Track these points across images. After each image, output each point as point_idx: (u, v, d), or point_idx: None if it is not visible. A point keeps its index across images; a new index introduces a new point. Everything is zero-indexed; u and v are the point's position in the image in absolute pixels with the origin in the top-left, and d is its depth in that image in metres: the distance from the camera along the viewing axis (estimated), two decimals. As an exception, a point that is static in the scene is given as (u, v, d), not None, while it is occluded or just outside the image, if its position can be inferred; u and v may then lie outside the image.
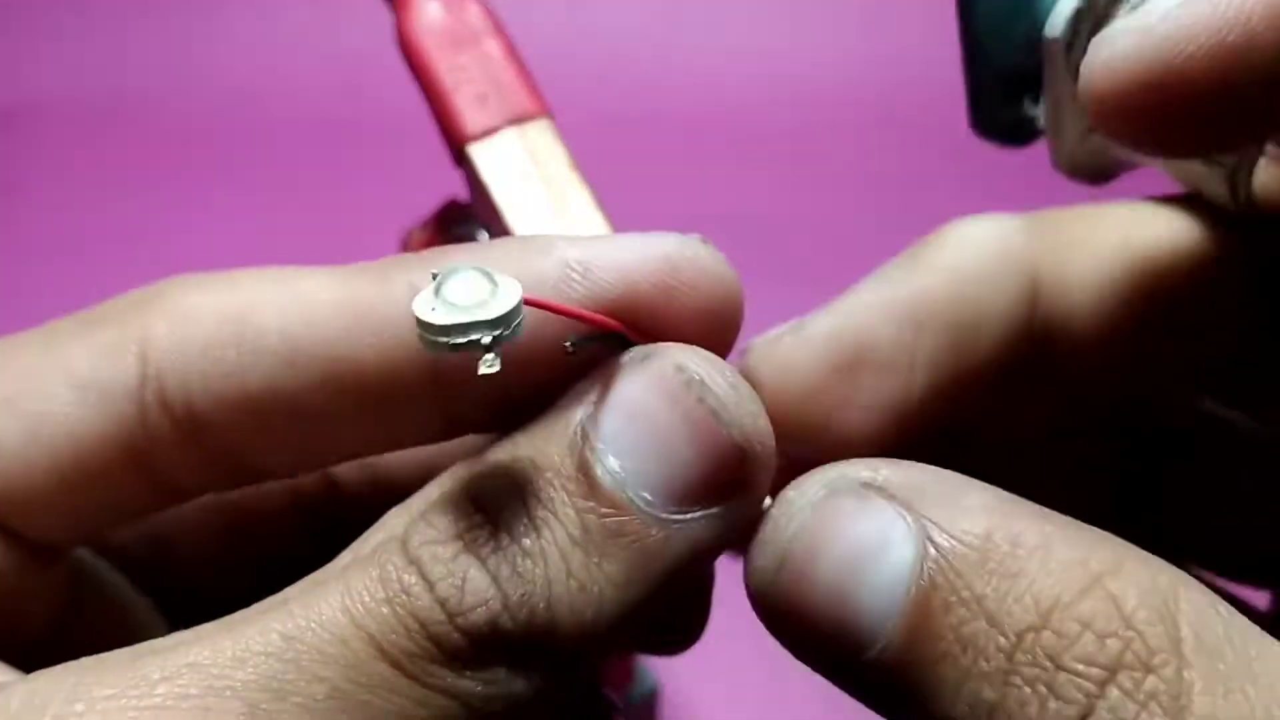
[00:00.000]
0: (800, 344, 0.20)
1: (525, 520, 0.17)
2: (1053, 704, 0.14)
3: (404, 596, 0.16)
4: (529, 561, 0.16)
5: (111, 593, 0.23)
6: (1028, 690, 0.14)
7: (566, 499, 0.16)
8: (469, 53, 0.30)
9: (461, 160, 0.30)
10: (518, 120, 0.29)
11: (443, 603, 0.16)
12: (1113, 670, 0.14)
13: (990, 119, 0.24)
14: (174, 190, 0.81)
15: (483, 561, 0.16)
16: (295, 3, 0.89)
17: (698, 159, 0.87)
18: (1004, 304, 0.20)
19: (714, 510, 0.17)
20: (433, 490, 0.18)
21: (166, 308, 0.19)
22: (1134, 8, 0.20)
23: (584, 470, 0.17)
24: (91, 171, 0.81)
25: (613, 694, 0.47)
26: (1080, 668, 0.14)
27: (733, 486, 0.17)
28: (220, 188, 0.81)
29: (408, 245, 0.38)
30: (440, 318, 0.16)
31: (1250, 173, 0.20)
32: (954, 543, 0.15)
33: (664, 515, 0.16)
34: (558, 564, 0.16)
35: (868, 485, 0.17)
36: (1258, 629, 0.15)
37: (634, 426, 0.17)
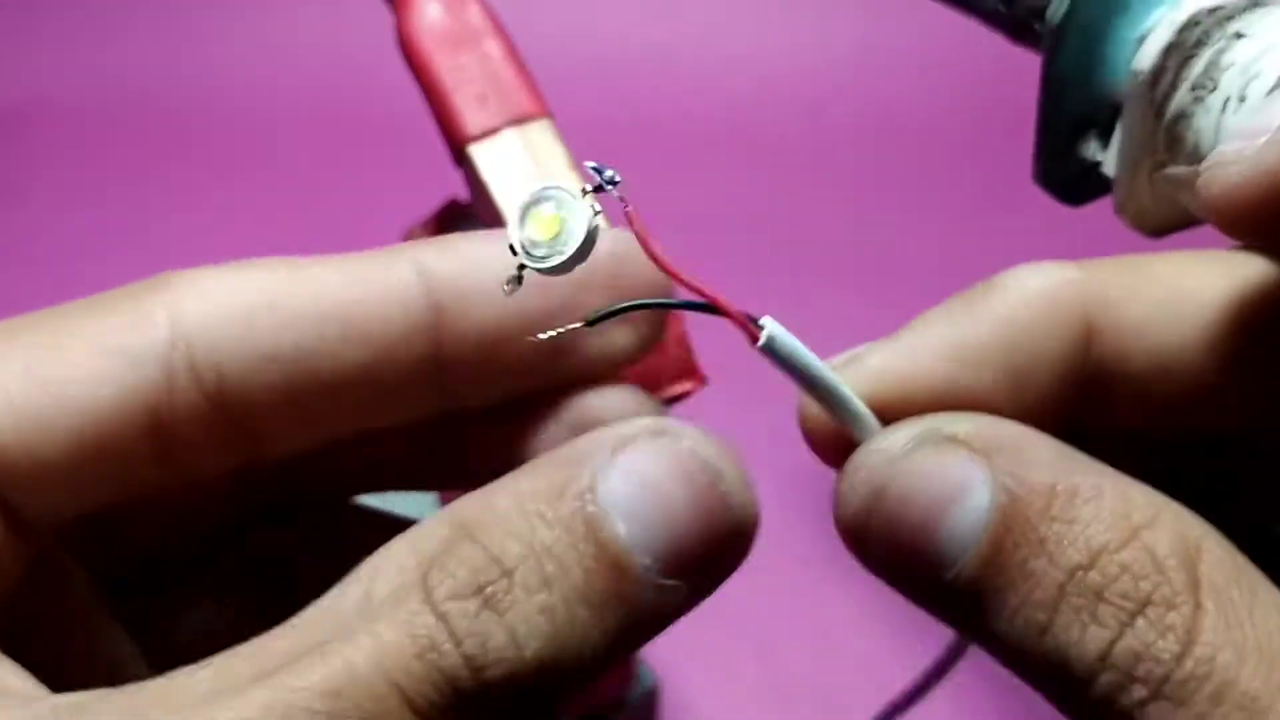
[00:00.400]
0: (852, 376, 0.22)
1: (538, 575, 0.18)
2: (1092, 628, 0.18)
3: (433, 654, 0.17)
4: (542, 618, 0.18)
5: (55, 565, 0.23)
6: (1072, 616, 0.18)
7: (577, 558, 0.18)
8: (469, 53, 0.30)
9: (462, 160, 0.30)
10: (518, 120, 0.29)
11: (468, 660, 0.17)
12: (1143, 604, 0.18)
13: (1055, 166, 0.25)
14: (175, 191, 0.81)
15: (502, 617, 0.18)
16: (296, 3, 0.90)
17: (698, 160, 0.87)
18: (1057, 350, 0.22)
19: (701, 580, 0.19)
20: (441, 528, 0.19)
21: (191, 287, 0.21)
22: (1220, 51, 0.22)
23: (593, 530, 0.18)
24: (92, 171, 0.81)
25: (613, 693, 0.47)
26: (1117, 600, 0.18)
27: (723, 560, 0.19)
28: (221, 188, 0.81)
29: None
30: (511, 236, 0.18)
31: None
32: (1025, 491, 0.19)
33: (661, 581, 0.18)
34: (565, 620, 0.18)
35: (951, 439, 0.20)
36: (1263, 578, 0.18)
37: (645, 496, 0.19)
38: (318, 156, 0.86)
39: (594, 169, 0.19)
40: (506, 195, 0.29)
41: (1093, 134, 0.24)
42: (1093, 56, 0.23)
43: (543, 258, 0.18)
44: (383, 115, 0.75)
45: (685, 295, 0.19)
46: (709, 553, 0.19)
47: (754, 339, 0.19)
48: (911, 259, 0.79)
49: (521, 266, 0.18)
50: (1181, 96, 0.22)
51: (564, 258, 0.18)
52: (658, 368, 0.26)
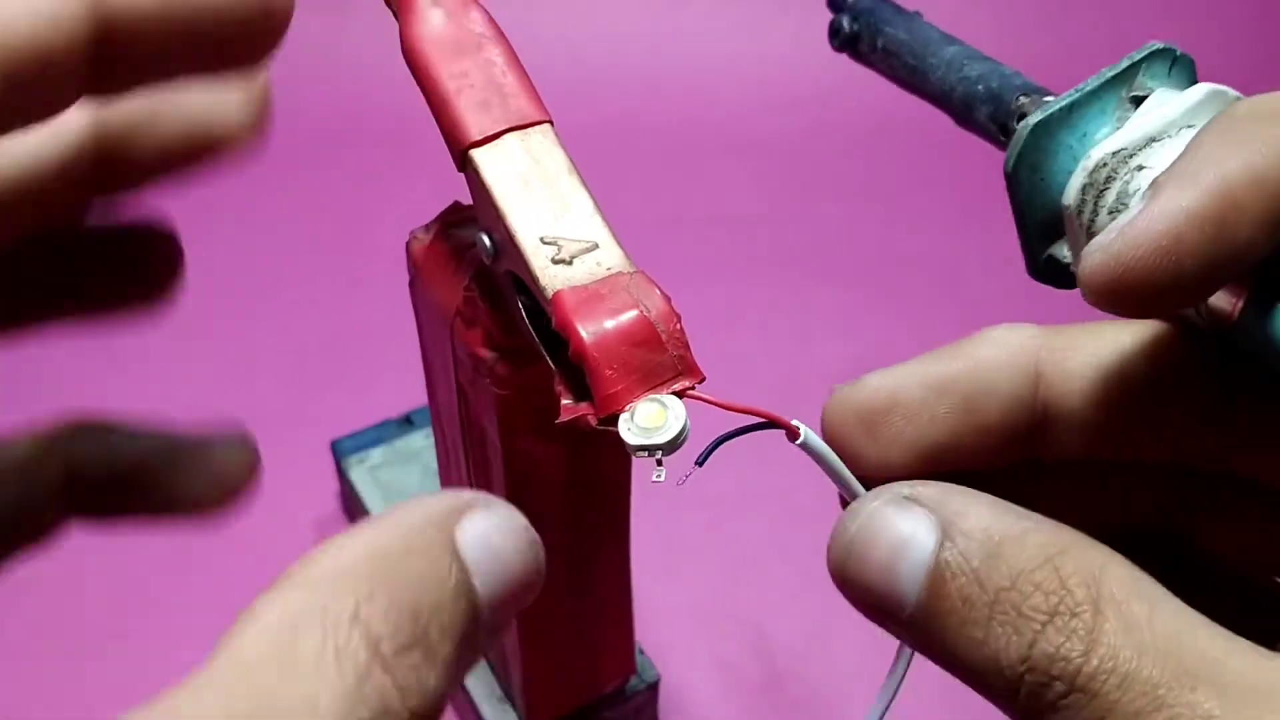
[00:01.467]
0: (856, 390, 0.28)
1: (439, 630, 0.21)
2: (1014, 636, 0.22)
3: (383, 712, 0.19)
4: (443, 669, 0.20)
5: None
6: (999, 628, 0.22)
7: (459, 619, 0.21)
8: (471, 59, 0.30)
9: (465, 164, 0.30)
10: (519, 126, 0.29)
11: (411, 712, 0.19)
12: (1051, 615, 0.22)
13: (1039, 266, 0.32)
14: (179, 195, 0.81)
15: (429, 671, 0.20)
16: (306, 14, 0.90)
17: (694, 162, 0.88)
18: (1009, 384, 0.28)
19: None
20: (363, 571, 0.20)
21: None
22: (1127, 183, 0.28)
23: (464, 589, 0.21)
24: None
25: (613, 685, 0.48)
26: (1031, 613, 0.22)
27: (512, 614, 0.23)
28: (225, 190, 0.82)
29: (410, 247, 0.39)
30: (631, 438, 0.25)
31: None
32: (962, 535, 0.23)
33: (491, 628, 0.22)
34: (451, 672, 0.21)
35: (908, 498, 0.24)
36: (1167, 593, 0.22)
37: (494, 562, 0.22)
38: (323, 160, 0.87)
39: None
40: (506, 197, 0.29)
41: (1062, 240, 0.31)
42: (1037, 191, 0.30)
43: (654, 438, 0.25)
44: (389, 119, 0.75)
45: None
46: (520, 609, 0.23)
47: (794, 437, 0.26)
48: (907, 259, 0.80)
49: (643, 449, 0.25)
50: (1102, 219, 0.28)
51: (672, 435, 0.25)
52: (656, 366, 0.26)
